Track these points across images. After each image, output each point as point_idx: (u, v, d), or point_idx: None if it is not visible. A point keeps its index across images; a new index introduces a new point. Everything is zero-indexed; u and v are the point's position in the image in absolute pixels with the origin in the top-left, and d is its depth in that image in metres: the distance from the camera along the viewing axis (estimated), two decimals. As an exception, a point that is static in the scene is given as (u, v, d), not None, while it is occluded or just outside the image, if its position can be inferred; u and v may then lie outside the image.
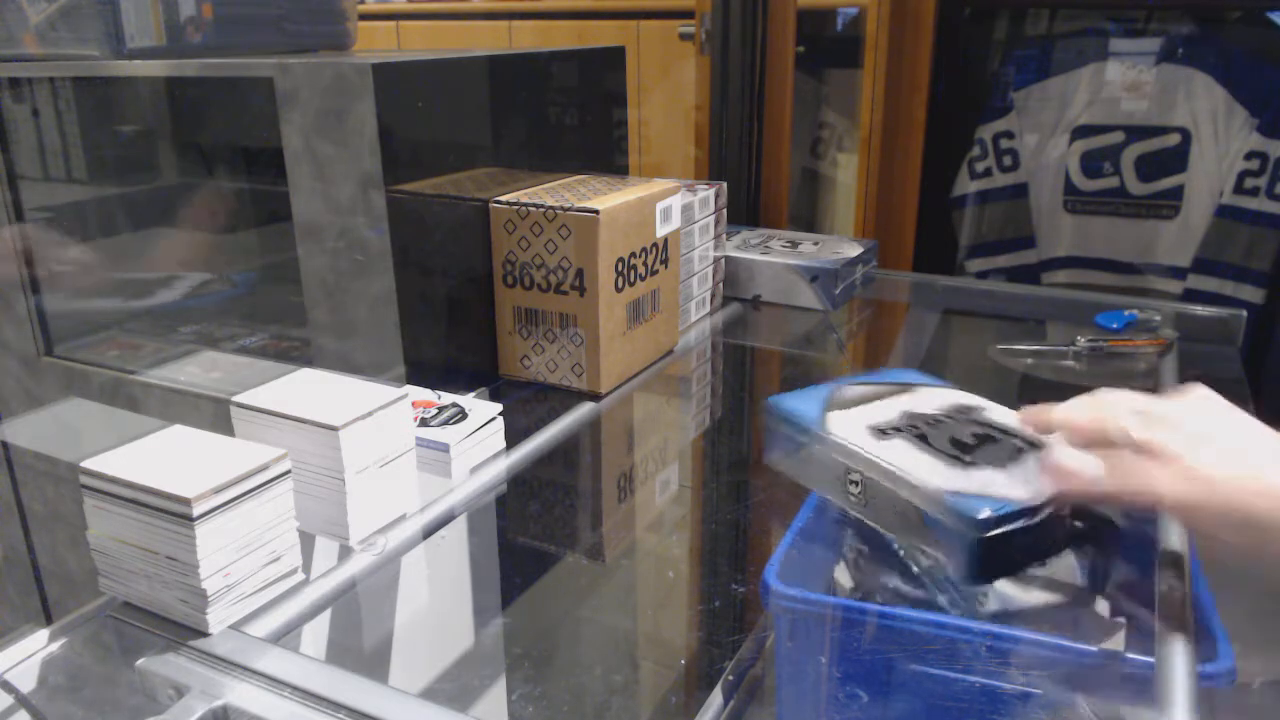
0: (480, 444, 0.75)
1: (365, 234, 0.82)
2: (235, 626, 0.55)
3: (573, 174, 0.98)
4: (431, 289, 0.86)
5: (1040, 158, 1.57)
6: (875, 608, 0.60)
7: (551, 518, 0.78)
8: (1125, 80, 1.50)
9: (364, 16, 2.22)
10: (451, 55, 0.90)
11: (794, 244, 1.19)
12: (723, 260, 1.13)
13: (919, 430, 0.61)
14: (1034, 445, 0.58)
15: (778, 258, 1.13)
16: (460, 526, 0.71)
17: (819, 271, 1.10)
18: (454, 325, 0.89)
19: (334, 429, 0.61)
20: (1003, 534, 0.53)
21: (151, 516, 0.53)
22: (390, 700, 0.50)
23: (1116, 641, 0.60)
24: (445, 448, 0.72)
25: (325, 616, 0.60)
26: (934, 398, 0.66)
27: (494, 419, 0.76)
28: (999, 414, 0.64)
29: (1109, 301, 1.05)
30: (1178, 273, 1.48)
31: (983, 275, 1.60)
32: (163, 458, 0.56)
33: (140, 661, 0.53)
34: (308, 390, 0.65)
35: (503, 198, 0.88)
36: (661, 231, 0.93)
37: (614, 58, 1.10)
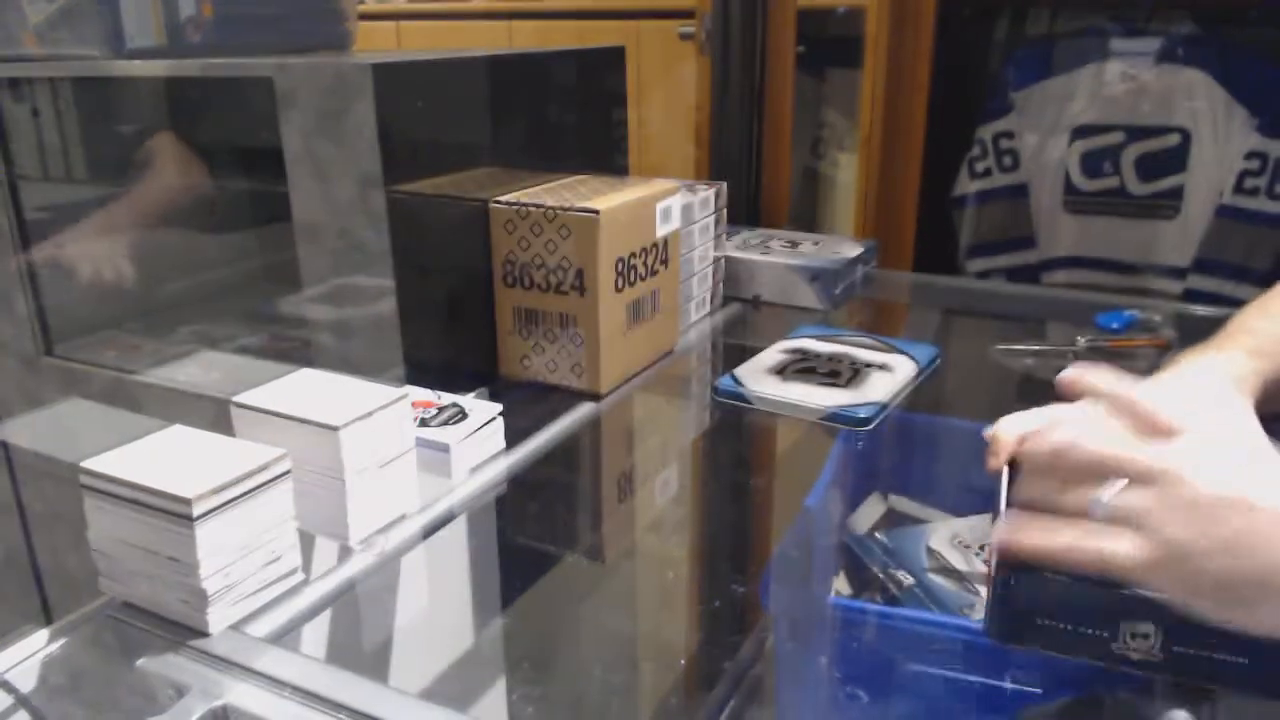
0: (480, 444, 0.75)
1: (365, 234, 0.82)
2: (235, 626, 0.55)
3: (573, 174, 0.98)
4: (431, 289, 0.86)
5: (1040, 158, 1.57)
6: (875, 608, 0.60)
7: (551, 518, 0.78)
8: (1125, 80, 1.50)
9: (364, 16, 2.22)
10: (451, 55, 0.90)
11: (794, 244, 1.19)
12: (723, 260, 1.13)
13: None
14: None
15: (778, 258, 1.13)
16: (460, 526, 0.71)
17: (819, 271, 1.10)
18: (454, 325, 0.89)
19: (334, 429, 0.61)
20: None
21: (151, 516, 0.53)
22: (390, 700, 0.50)
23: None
24: (445, 448, 0.72)
25: (325, 616, 0.60)
26: None
27: (494, 419, 0.76)
28: None
29: (1109, 301, 1.05)
30: (1178, 273, 1.48)
31: (983, 275, 1.60)
32: (163, 458, 0.56)
33: (140, 661, 0.53)
34: (308, 390, 0.65)
35: (503, 198, 0.88)
36: (661, 231, 0.93)
37: (614, 58, 1.10)
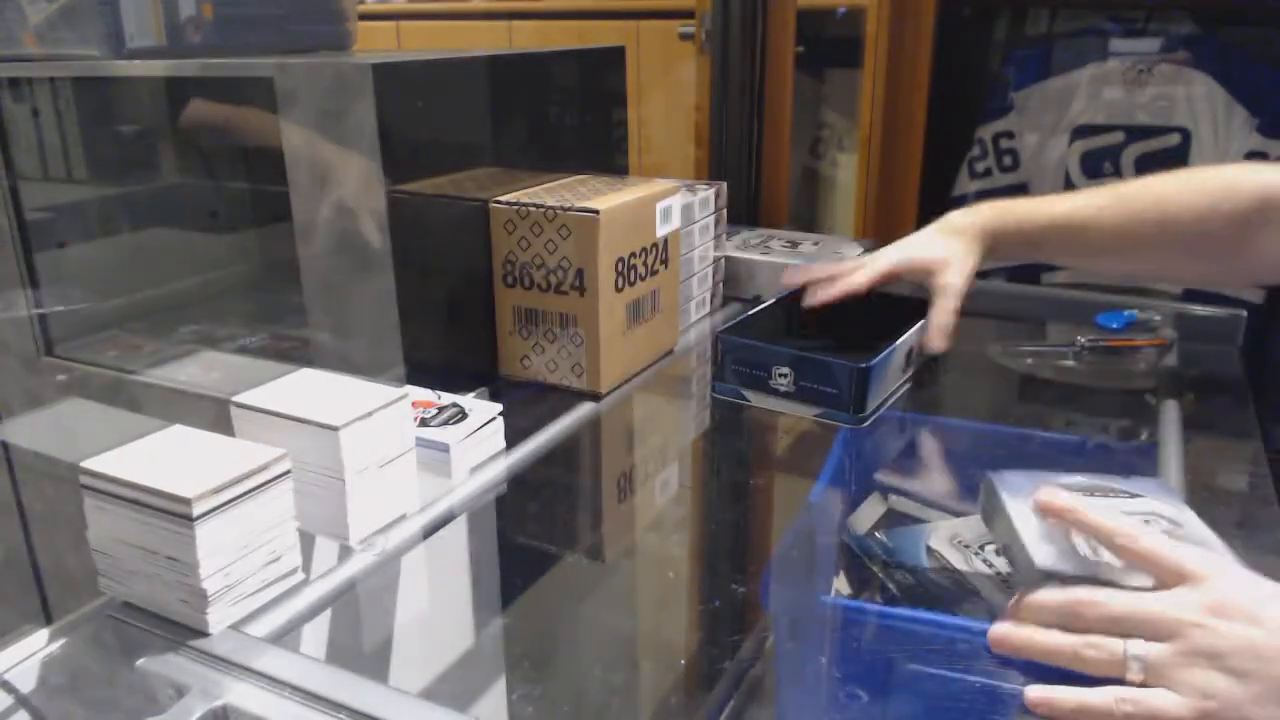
0: (480, 444, 0.75)
1: (365, 234, 0.82)
2: (235, 626, 0.55)
3: (573, 174, 0.98)
4: (431, 289, 0.86)
5: (1040, 158, 1.57)
6: (875, 608, 0.60)
7: (551, 518, 0.78)
8: (1125, 80, 1.50)
9: (364, 16, 2.22)
10: (451, 55, 0.90)
11: (794, 244, 1.19)
12: (723, 260, 1.13)
13: None
14: None
15: (778, 258, 1.13)
16: (460, 526, 0.71)
17: (819, 271, 1.10)
18: (454, 325, 0.89)
19: (334, 429, 0.61)
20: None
21: (151, 516, 0.53)
22: (390, 700, 0.50)
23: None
24: (445, 448, 0.72)
25: (325, 616, 0.60)
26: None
27: (494, 419, 0.76)
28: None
29: (1109, 301, 1.05)
30: (1178, 273, 1.48)
31: (982, 275, 1.59)
32: (163, 458, 0.56)
33: (140, 661, 0.53)
34: (308, 390, 0.65)
35: (503, 198, 0.88)
36: (661, 231, 0.93)
37: (614, 58, 1.10)
